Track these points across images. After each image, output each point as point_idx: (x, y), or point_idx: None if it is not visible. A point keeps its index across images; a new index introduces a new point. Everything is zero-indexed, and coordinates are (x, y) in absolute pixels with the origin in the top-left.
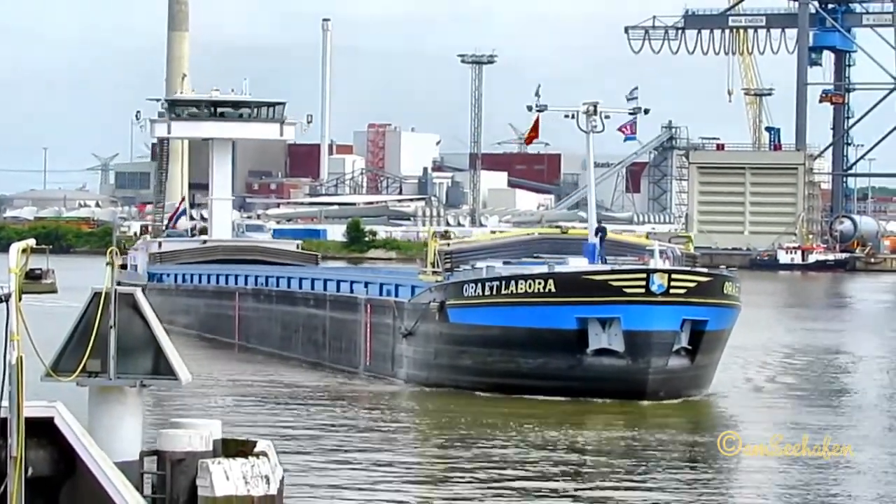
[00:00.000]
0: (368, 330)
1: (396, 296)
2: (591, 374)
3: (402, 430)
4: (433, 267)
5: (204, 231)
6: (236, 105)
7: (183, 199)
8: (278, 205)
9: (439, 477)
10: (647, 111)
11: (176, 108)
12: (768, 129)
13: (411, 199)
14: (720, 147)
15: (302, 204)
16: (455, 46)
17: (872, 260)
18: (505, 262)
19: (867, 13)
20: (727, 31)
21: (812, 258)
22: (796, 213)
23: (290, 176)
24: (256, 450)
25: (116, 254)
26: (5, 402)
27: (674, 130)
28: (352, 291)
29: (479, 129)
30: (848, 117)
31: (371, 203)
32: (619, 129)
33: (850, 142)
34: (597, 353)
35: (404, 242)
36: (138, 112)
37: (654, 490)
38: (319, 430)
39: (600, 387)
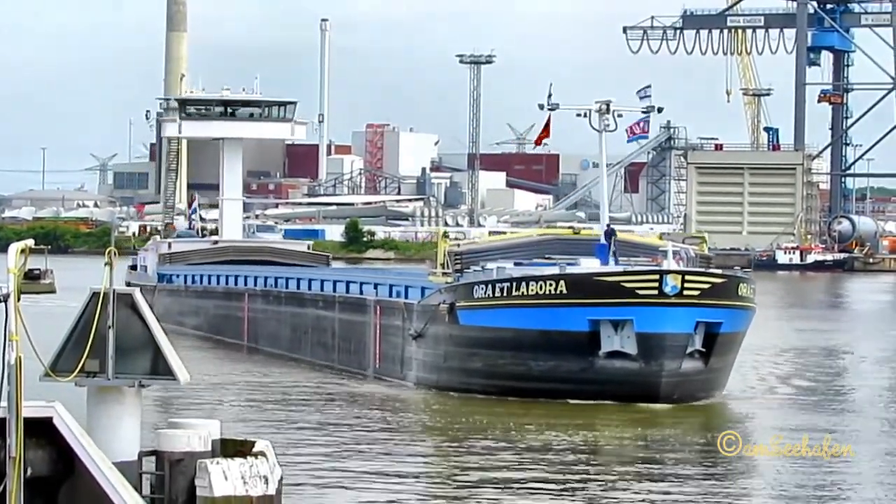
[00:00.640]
0: (378, 332)
1: (406, 297)
2: (604, 376)
3: (403, 432)
4: (443, 268)
5: (214, 232)
6: (247, 104)
7: (193, 198)
8: (276, 205)
9: (441, 479)
10: (660, 109)
11: (186, 108)
12: (767, 129)
13: (410, 200)
14: (718, 147)
15: (300, 204)
16: (453, 47)
17: (871, 260)
18: (516, 263)
19: (865, 13)
20: (726, 31)
21: (810, 258)
22: (795, 213)
23: (288, 176)
24: (255, 450)
25: (115, 254)
26: (4, 402)
27: (672, 130)
28: (361, 293)
29: (477, 130)
30: (846, 117)
31: (369, 203)
32: (629, 129)
33: (848, 142)
34: (609, 356)
35: (402, 243)
36: (148, 111)
37: (654, 491)
38: (321, 431)
39: (612, 390)
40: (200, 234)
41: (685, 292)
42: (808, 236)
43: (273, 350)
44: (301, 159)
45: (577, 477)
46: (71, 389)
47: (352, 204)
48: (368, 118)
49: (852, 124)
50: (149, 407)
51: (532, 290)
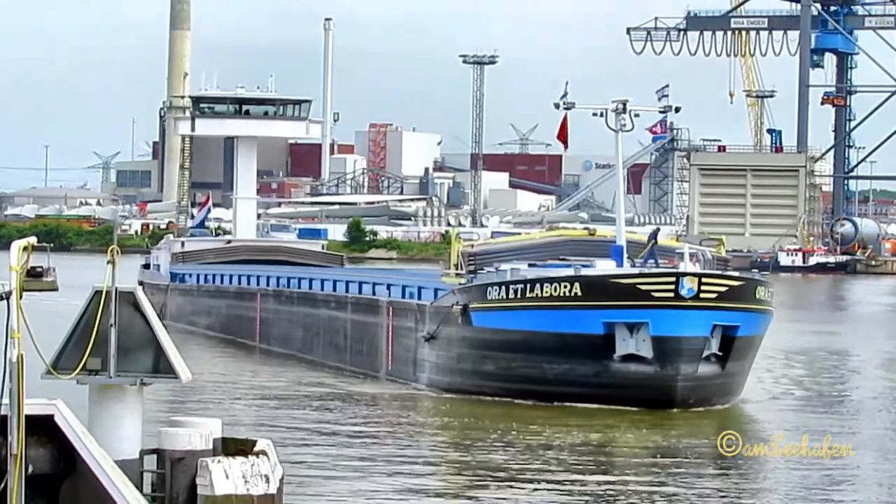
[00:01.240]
0: (390, 333)
1: (419, 298)
2: (618, 380)
3: (410, 433)
4: (456, 269)
5: (227, 231)
6: (262, 102)
7: (208, 198)
8: (279, 204)
9: (448, 482)
10: (678, 109)
11: (200, 105)
12: (770, 131)
13: (412, 200)
14: (721, 149)
15: (303, 203)
16: (456, 47)
17: (873, 262)
18: (530, 265)
19: (869, 15)
20: (729, 33)
21: (813, 260)
22: (797, 215)
23: (291, 175)
24: (256, 449)
25: (117, 252)
26: (6, 400)
27: (675, 132)
28: (374, 294)
29: (480, 130)
30: (849, 120)
31: (372, 203)
32: (651, 129)
33: (851, 144)
34: (624, 359)
35: (405, 242)
36: (162, 109)
37: (655, 491)
38: (327, 431)
39: (627, 394)
40: (214, 234)
41: (702, 295)
42: (811, 238)
43: (285, 350)
44: (304, 159)
45: (578, 477)
46: (72, 387)
47: (354, 203)
48: (372, 118)
49: (855, 127)
50: (156, 405)
51: (546, 292)
